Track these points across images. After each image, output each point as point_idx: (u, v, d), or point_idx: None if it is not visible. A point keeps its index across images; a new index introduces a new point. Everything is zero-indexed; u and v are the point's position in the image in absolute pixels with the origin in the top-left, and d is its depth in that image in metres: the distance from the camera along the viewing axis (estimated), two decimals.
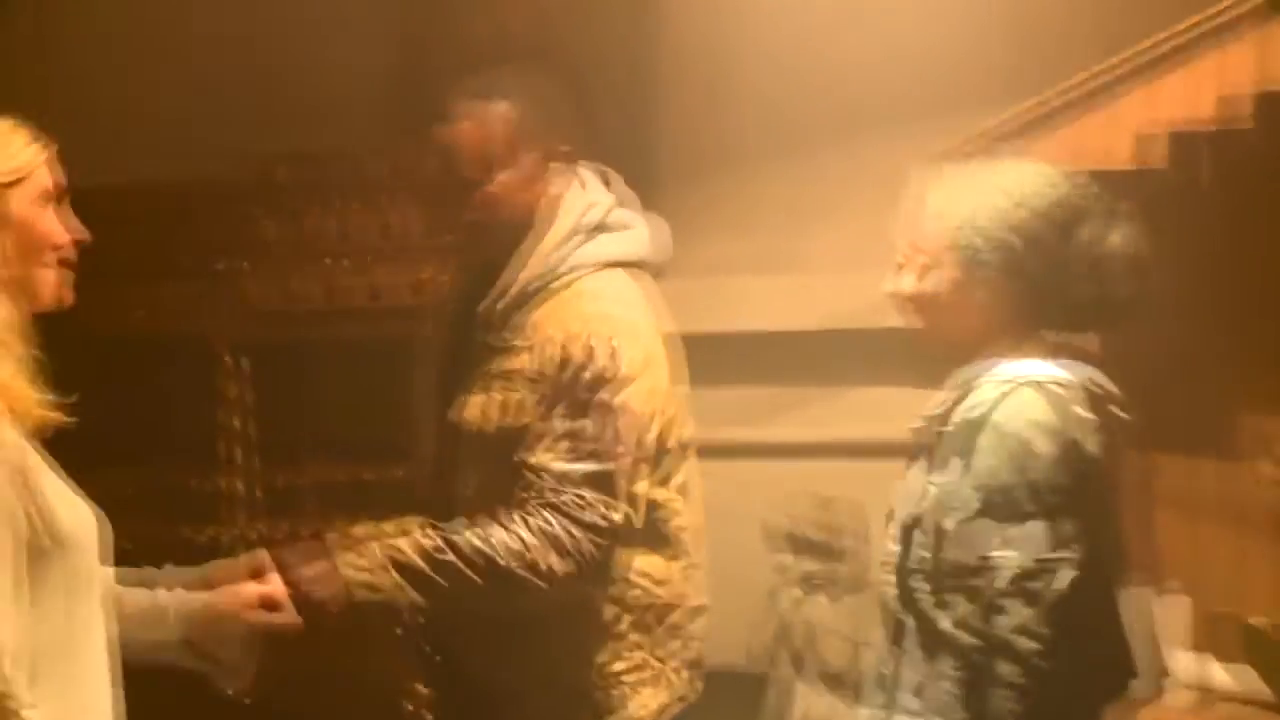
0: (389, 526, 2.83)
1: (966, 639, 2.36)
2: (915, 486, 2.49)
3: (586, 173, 2.86)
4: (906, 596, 2.46)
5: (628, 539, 2.75)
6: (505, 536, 2.65)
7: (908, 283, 2.52)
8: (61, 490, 2.09)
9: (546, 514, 2.65)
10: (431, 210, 3.87)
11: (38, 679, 1.96)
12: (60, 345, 2.10)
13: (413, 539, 2.67)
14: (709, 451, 4.30)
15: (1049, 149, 3.15)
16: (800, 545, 3.85)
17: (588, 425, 2.68)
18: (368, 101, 4.30)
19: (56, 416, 2.04)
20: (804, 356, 4.02)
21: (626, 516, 2.70)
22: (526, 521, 2.65)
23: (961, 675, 2.37)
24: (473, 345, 2.82)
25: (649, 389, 2.74)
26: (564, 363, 2.71)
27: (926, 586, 2.43)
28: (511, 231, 2.80)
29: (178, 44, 4.37)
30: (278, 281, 3.97)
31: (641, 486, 2.74)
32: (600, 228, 2.82)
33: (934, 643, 2.40)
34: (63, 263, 2.13)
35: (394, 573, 2.63)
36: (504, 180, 2.79)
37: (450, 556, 2.63)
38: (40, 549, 1.99)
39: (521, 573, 2.63)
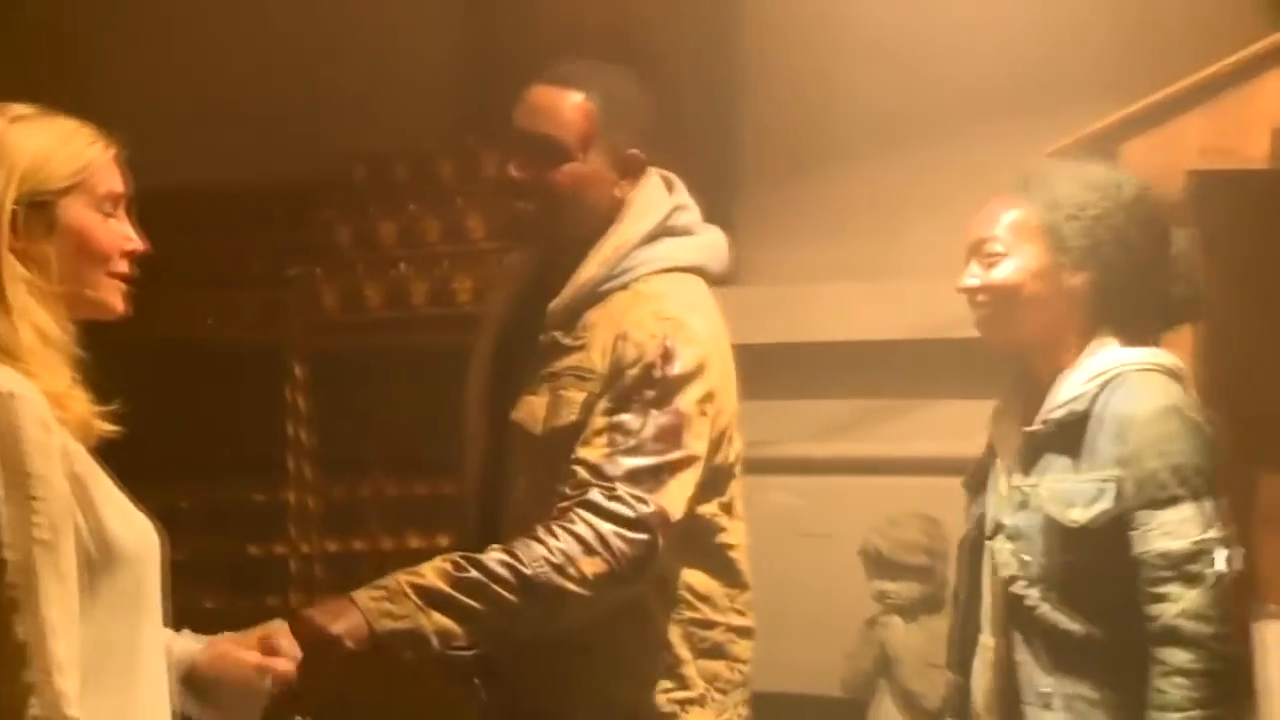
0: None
1: (1107, 635, 2.39)
2: (1011, 493, 2.51)
3: (653, 177, 2.81)
4: (1018, 608, 2.46)
5: (674, 549, 2.68)
6: (530, 544, 2.58)
7: (988, 274, 2.53)
8: (118, 501, 2.03)
9: (573, 513, 2.59)
10: (496, 213, 3.77)
11: (85, 697, 1.90)
12: (125, 352, 2.11)
13: (433, 563, 2.61)
14: (792, 467, 4.32)
15: (1172, 143, 3.11)
16: (884, 566, 3.83)
17: (629, 420, 2.64)
18: (439, 98, 4.28)
19: (111, 427, 1.99)
20: (895, 368, 3.95)
21: (660, 511, 2.59)
22: (551, 526, 2.58)
23: (1104, 677, 2.40)
24: (534, 344, 2.77)
25: (703, 394, 2.67)
26: (614, 360, 2.68)
27: (1039, 592, 2.44)
28: (572, 227, 2.75)
29: (246, 41, 4.36)
30: (351, 288, 3.92)
31: (686, 488, 2.65)
32: (665, 231, 2.78)
33: (1062, 650, 2.42)
34: (118, 274, 2.06)
35: (414, 597, 2.56)
36: (569, 171, 2.73)
37: (474, 574, 2.55)
38: (89, 560, 1.94)
39: (553, 579, 2.55)
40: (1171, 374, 2.46)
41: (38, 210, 1.97)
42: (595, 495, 2.58)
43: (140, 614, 2.02)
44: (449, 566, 2.57)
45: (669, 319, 2.68)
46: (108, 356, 2.02)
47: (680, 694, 2.75)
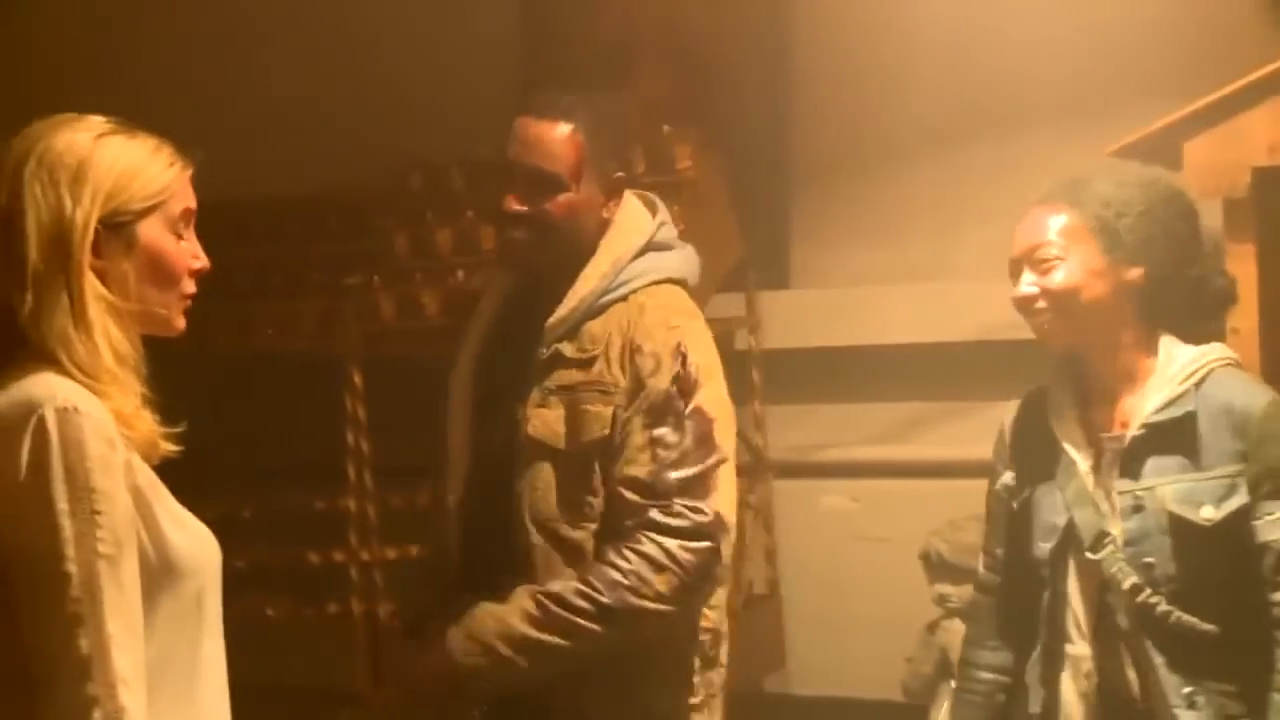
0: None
1: (1234, 628, 2.41)
2: (1119, 499, 2.50)
3: (630, 194, 2.90)
4: (1149, 616, 2.45)
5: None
6: (602, 570, 2.69)
7: (1046, 280, 2.54)
8: (178, 515, 2.05)
9: (638, 536, 2.68)
10: None
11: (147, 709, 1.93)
12: (187, 363, 2.13)
13: (516, 603, 2.71)
14: (849, 471, 4.31)
15: (1236, 140, 3.09)
16: (945, 570, 3.79)
17: (667, 433, 2.72)
18: (494, 107, 4.21)
19: (174, 447, 2.02)
20: (952, 370, 3.93)
21: (717, 516, 2.69)
22: (621, 551, 2.68)
23: (1237, 670, 2.42)
24: (522, 360, 2.84)
25: (717, 395, 2.77)
26: (633, 373, 2.76)
27: (1168, 596, 2.44)
28: (565, 252, 2.83)
29: (303, 55, 4.39)
30: (408, 296, 3.92)
31: (731, 488, 2.75)
32: (652, 246, 2.87)
33: (1198, 650, 2.42)
34: (185, 293, 2.09)
35: (504, 649, 2.68)
36: (565, 201, 2.81)
37: (557, 611, 2.67)
38: (150, 574, 1.96)
39: (630, 601, 2.65)
40: (1240, 365, 2.52)
41: (118, 230, 1.99)
42: (654, 514, 2.66)
43: (201, 627, 2.04)
44: (532, 608, 2.66)
45: (675, 327, 2.76)
46: (171, 368, 2.04)
47: (695, 698, 2.83)
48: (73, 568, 1.87)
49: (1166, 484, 2.45)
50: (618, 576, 2.66)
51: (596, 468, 2.76)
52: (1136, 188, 2.53)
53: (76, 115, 2.03)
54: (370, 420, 3.85)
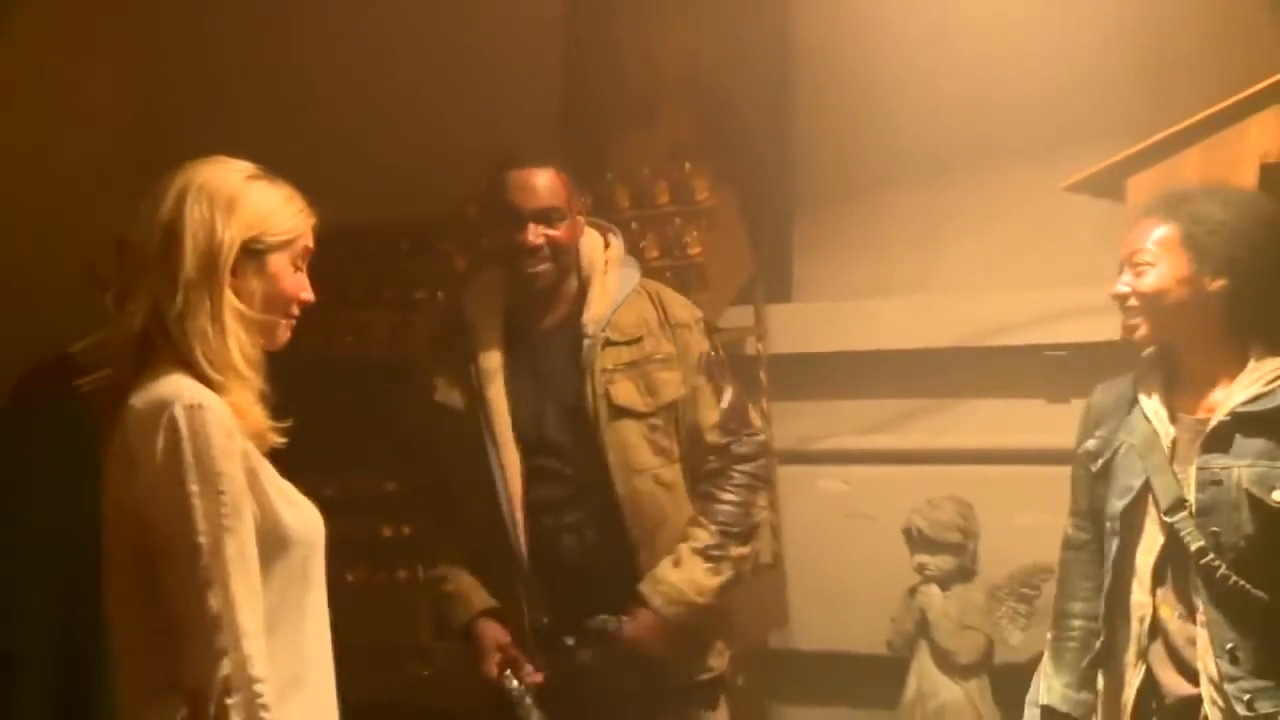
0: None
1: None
2: (1198, 473, 2.47)
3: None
4: (1210, 577, 2.43)
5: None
6: (725, 511, 2.98)
7: (1138, 281, 2.54)
8: (287, 492, 2.11)
9: (729, 472, 3.01)
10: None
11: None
12: (283, 366, 2.16)
13: (690, 564, 2.96)
14: (841, 458, 4.32)
15: (1173, 176, 3.04)
16: (923, 543, 3.79)
17: (720, 381, 3.04)
18: (539, 140, 4.27)
19: (281, 439, 2.10)
20: (932, 371, 3.94)
21: (759, 428, 3.08)
22: (723, 487, 3.00)
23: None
24: (551, 351, 3.01)
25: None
26: (681, 344, 3.02)
27: (1229, 561, 2.41)
28: (568, 268, 3.01)
29: (382, 103, 4.43)
30: None
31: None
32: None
33: (1246, 611, 2.40)
34: (291, 316, 2.16)
35: (696, 598, 2.94)
36: (567, 227, 2.97)
37: (720, 554, 2.96)
38: (263, 543, 2.01)
39: (754, 518, 3.03)
40: None
41: (255, 256, 2.06)
42: (734, 447, 3.01)
43: (306, 586, 2.10)
44: (702, 560, 2.95)
45: (685, 303, 3.09)
46: (271, 370, 2.12)
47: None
48: (203, 539, 1.92)
49: (1244, 466, 2.43)
50: (735, 509, 2.98)
51: (675, 420, 2.99)
52: (1230, 208, 2.50)
53: (226, 158, 2.11)
54: None
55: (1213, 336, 2.50)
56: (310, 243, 2.14)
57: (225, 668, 1.89)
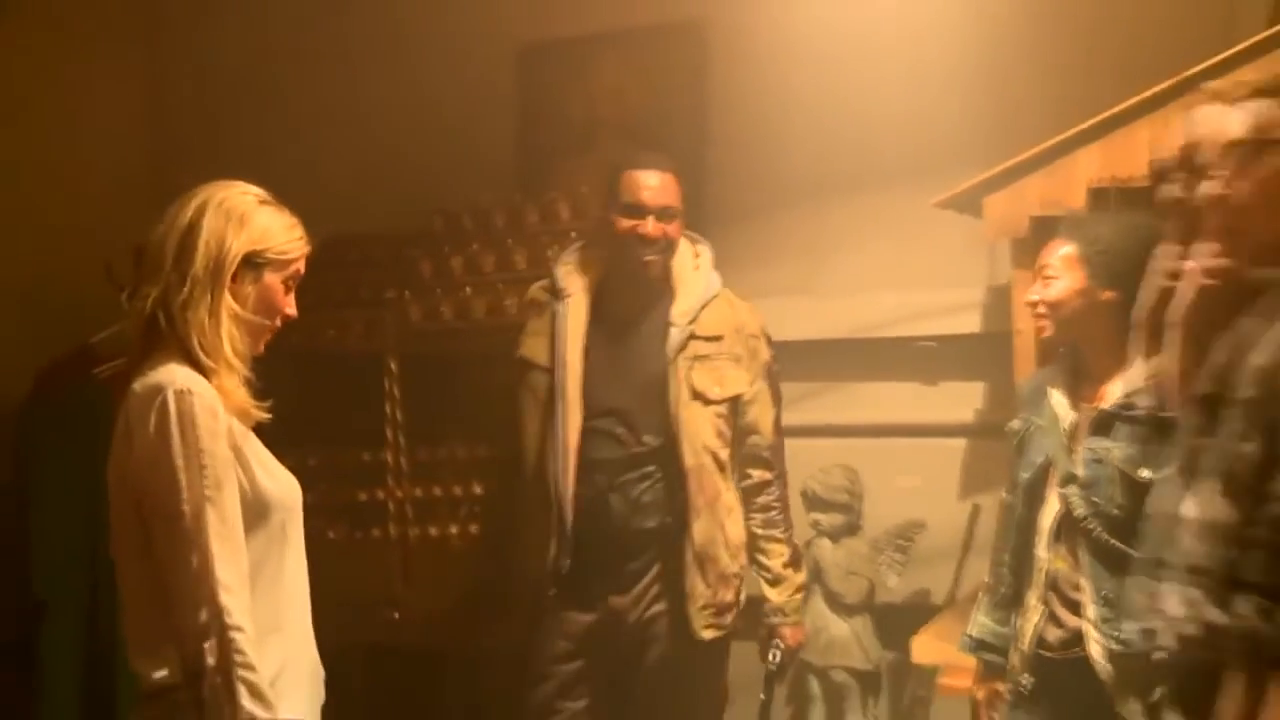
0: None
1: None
2: (1085, 452, 2.52)
3: None
4: (1089, 538, 2.49)
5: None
6: (777, 518, 3.12)
7: (1045, 292, 2.60)
8: (268, 463, 2.13)
9: (772, 482, 3.14)
10: (535, 249, 3.86)
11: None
12: (273, 358, 2.20)
13: (786, 584, 3.16)
14: None
15: (1020, 197, 3.13)
16: (817, 503, 3.80)
17: (776, 389, 3.14)
18: (496, 168, 4.31)
19: (264, 415, 2.12)
20: (822, 360, 3.94)
21: None
22: (770, 494, 3.13)
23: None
24: (659, 335, 3.00)
25: None
26: (749, 348, 3.06)
27: (1105, 526, 2.47)
28: (668, 263, 3.02)
29: (360, 130, 4.42)
30: (431, 306, 3.91)
31: None
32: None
33: (1118, 564, 2.44)
34: (273, 328, 2.18)
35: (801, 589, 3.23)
36: (679, 224, 3.01)
37: (795, 556, 3.22)
38: (248, 508, 2.03)
39: (790, 516, 3.20)
40: None
41: (253, 267, 2.10)
42: (774, 442, 3.13)
43: (285, 546, 2.12)
44: (794, 573, 3.15)
45: (754, 311, 3.13)
46: (262, 361, 2.17)
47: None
48: (185, 506, 1.94)
49: (1121, 448, 2.48)
50: (780, 515, 3.14)
51: (734, 413, 3.04)
52: (1119, 230, 2.55)
53: (243, 182, 2.15)
54: (402, 397, 3.84)
55: (1107, 339, 2.54)
56: (302, 268, 2.17)
57: (203, 617, 1.90)
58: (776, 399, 3.12)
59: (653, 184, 2.97)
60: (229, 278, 2.05)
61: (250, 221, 2.08)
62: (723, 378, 3.02)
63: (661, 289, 3.03)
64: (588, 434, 2.97)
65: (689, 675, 3.04)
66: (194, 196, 2.08)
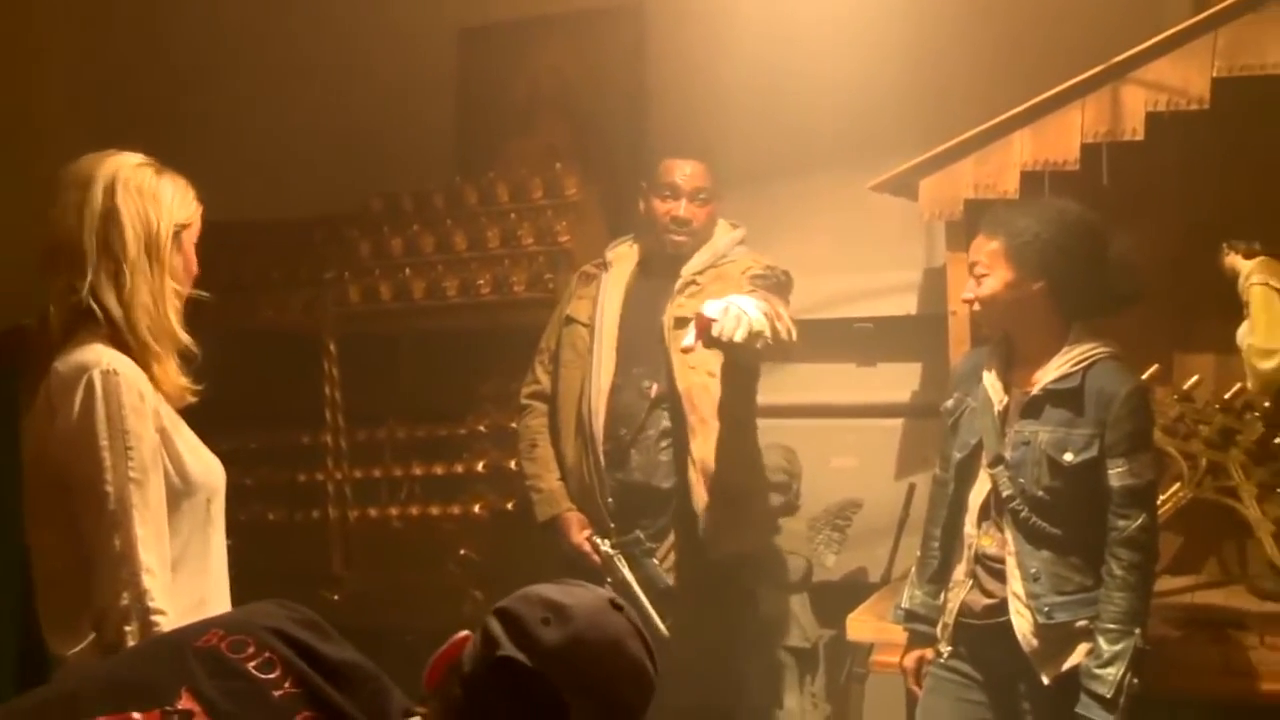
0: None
1: (1072, 533, 2.50)
2: (1014, 435, 2.56)
3: None
4: (1015, 517, 2.54)
5: None
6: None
7: (979, 289, 2.61)
8: (194, 445, 2.09)
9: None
10: (475, 231, 3.85)
11: (175, 584, 1.97)
12: (211, 337, 2.13)
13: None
14: None
15: (954, 181, 3.14)
16: None
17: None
18: (435, 151, 4.29)
19: (194, 397, 2.09)
20: None
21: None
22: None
23: (1070, 559, 2.51)
24: (665, 294, 3.21)
25: None
26: (751, 276, 3.22)
27: (1030, 507, 2.52)
28: (698, 243, 3.26)
29: (300, 114, 4.38)
30: (369, 287, 3.89)
31: None
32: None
33: (1043, 543, 2.52)
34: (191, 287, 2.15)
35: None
36: (711, 208, 3.27)
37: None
38: (174, 489, 2.00)
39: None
40: (1119, 358, 2.56)
41: (175, 238, 2.06)
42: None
43: (209, 525, 2.10)
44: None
45: (762, 259, 3.27)
46: (200, 340, 2.11)
47: None
48: (110, 488, 1.90)
49: (1047, 431, 2.52)
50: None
51: None
52: (1042, 221, 2.56)
53: (121, 150, 2.07)
54: (341, 378, 3.82)
55: (1039, 325, 2.58)
56: (199, 226, 2.13)
57: (125, 599, 1.87)
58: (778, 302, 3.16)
59: (687, 170, 3.21)
60: (168, 255, 2.02)
61: (161, 194, 2.04)
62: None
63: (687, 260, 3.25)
64: (617, 389, 3.18)
65: (711, 598, 3.14)
66: (93, 177, 2.01)
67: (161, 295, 2.00)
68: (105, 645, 1.87)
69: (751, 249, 3.40)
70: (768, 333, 2.82)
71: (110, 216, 1.98)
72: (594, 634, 1.43)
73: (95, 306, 1.97)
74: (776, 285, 3.21)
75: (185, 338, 2.04)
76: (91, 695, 1.38)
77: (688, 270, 3.22)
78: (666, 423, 3.17)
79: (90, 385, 1.92)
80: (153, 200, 2.02)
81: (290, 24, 4.42)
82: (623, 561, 3.07)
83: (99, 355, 1.96)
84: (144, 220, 2.00)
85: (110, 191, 2.00)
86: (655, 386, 3.18)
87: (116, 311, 1.97)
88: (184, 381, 2.04)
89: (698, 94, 3.98)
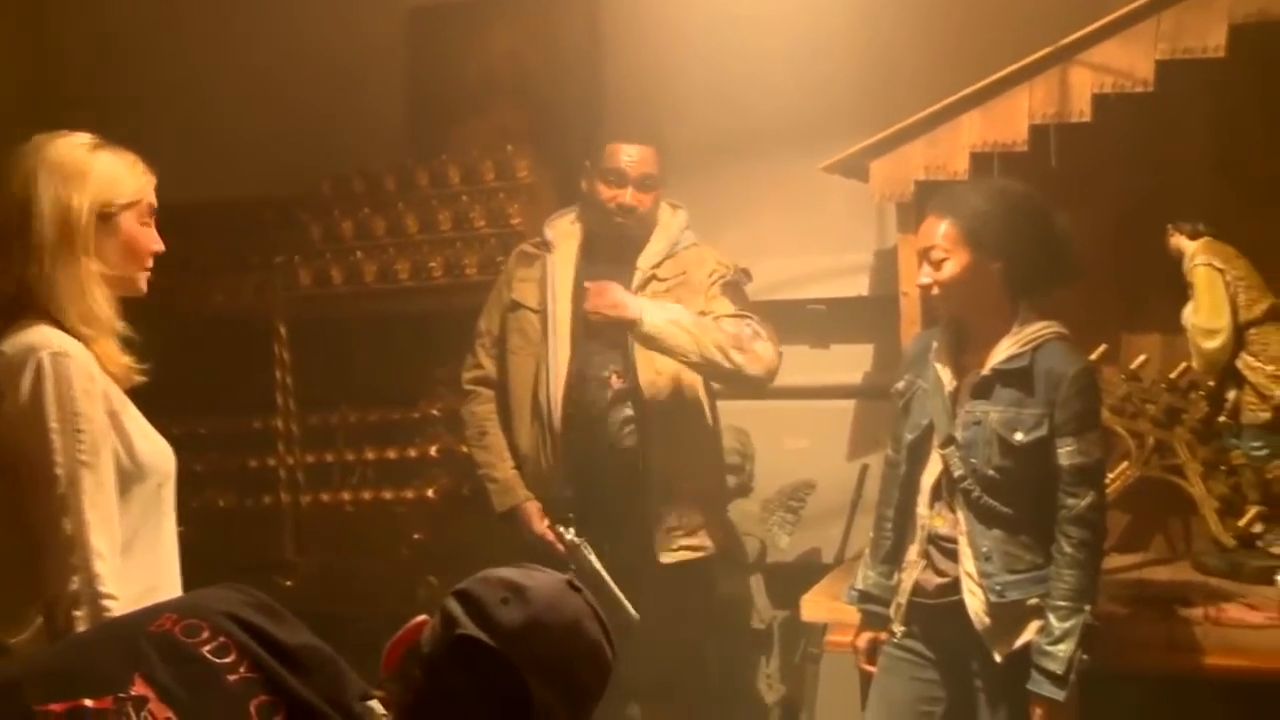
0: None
1: (1024, 512, 2.53)
2: (964, 415, 2.58)
3: None
4: (966, 497, 2.56)
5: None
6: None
7: (931, 274, 2.60)
8: (144, 429, 2.08)
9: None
10: (426, 213, 3.83)
11: (125, 569, 1.95)
12: (160, 322, 2.11)
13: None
14: None
15: (904, 162, 3.15)
16: None
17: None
18: (386, 132, 4.26)
19: (141, 377, 2.06)
20: None
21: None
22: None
23: (1021, 538, 2.53)
24: (628, 280, 3.16)
25: None
26: (715, 276, 3.24)
27: (982, 486, 2.53)
28: (646, 228, 3.23)
29: (250, 93, 4.33)
30: (320, 271, 3.87)
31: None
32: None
33: (995, 522, 2.54)
34: (147, 267, 2.11)
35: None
36: (658, 194, 3.24)
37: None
38: (124, 473, 1.99)
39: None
40: (1067, 338, 2.58)
41: (106, 219, 2.01)
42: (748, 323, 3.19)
43: (160, 509, 2.08)
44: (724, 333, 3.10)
45: (721, 255, 3.30)
46: (149, 325, 2.08)
47: None
48: (60, 471, 1.88)
49: (997, 411, 2.54)
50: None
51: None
52: (995, 200, 2.57)
53: (68, 131, 2.03)
54: (292, 362, 3.79)
55: (996, 306, 2.59)
56: (154, 200, 2.08)
57: (75, 584, 1.85)
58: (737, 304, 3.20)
59: (634, 156, 3.16)
60: (88, 239, 1.96)
61: (90, 173, 1.99)
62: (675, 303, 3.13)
63: (639, 246, 3.22)
64: (575, 378, 3.14)
65: (662, 601, 3.11)
66: (22, 162, 1.97)
67: (86, 279, 1.96)
68: (54, 631, 1.85)
69: (705, 232, 3.41)
70: (693, 356, 3.00)
71: (27, 199, 1.94)
72: (552, 615, 1.44)
73: (21, 292, 1.94)
74: (739, 291, 3.27)
75: (118, 323, 2.00)
76: (39, 683, 1.37)
77: (645, 262, 3.18)
78: (629, 411, 3.16)
79: (40, 367, 1.90)
80: (77, 180, 1.96)
81: (239, 1, 4.37)
82: (589, 549, 3.05)
83: (47, 337, 1.94)
84: (61, 203, 1.95)
85: (31, 174, 1.96)
86: (615, 376, 3.17)
87: (41, 298, 1.94)
88: (127, 360, 2.02)
89: (650, 76, 3.98)
